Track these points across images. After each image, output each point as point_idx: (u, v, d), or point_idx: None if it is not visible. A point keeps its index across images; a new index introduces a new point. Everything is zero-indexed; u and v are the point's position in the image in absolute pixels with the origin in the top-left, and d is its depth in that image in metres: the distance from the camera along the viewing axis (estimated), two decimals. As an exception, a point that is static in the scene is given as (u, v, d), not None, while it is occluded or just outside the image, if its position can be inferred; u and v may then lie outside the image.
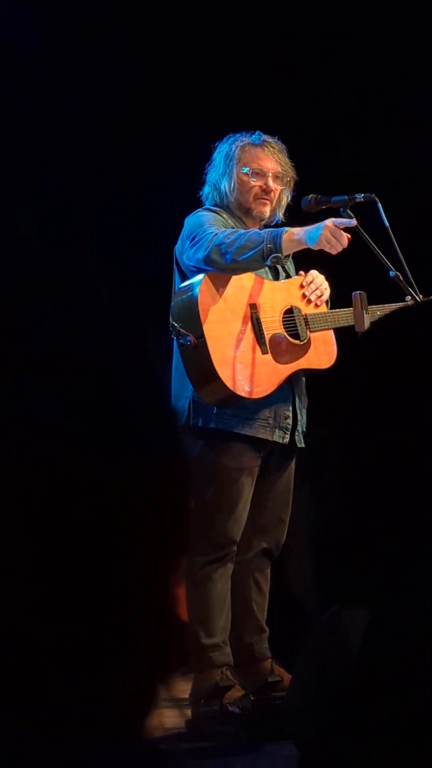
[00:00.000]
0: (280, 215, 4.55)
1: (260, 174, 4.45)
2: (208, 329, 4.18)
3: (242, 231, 4.25)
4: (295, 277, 4.52)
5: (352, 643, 0.87)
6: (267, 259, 4.16)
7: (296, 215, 4.54)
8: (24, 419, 0.68)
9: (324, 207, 4.43)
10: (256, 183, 4.45)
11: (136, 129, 5.79)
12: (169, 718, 4.07)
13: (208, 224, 4.31)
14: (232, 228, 4.36)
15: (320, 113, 6.04)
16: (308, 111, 6.00)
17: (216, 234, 4.21)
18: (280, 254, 4.17)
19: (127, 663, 0.72)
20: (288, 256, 4.40)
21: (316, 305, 4.47)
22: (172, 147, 5.59)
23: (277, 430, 4.33)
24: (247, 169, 4.44)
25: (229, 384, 4.16)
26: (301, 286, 4.47)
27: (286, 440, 4.35)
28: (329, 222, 4.19)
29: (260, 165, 4.46)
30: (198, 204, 4.54)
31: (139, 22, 5.88)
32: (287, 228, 4.25)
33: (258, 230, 4.28)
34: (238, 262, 4.17)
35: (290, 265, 4.59)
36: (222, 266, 4.20)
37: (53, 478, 0.68)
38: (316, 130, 5.95)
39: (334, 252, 4.20)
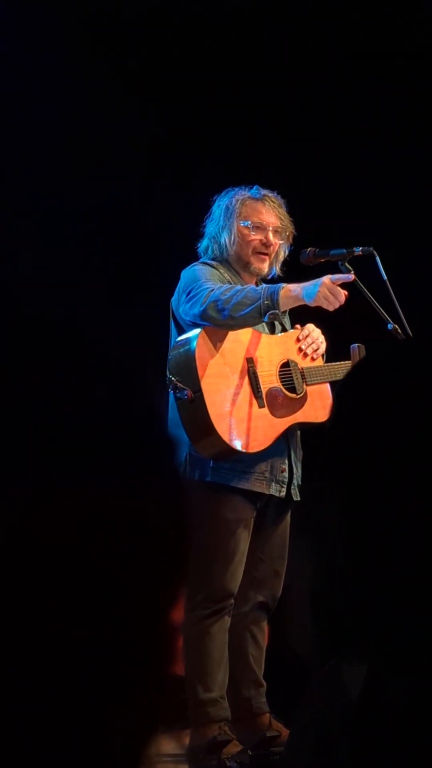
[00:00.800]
0: (277, 269, 4.56)
1: (260, 228, 4.47)
2: (205, 384, 4.19)
3: (239, 287, 4.26)
4: (291, 330, 4.53)
5: (351, 698, 0.87)
6: (264, 316, 4.17)
7: (294, 268, 4.56)
8: (26, 451, 0.69)
9: (322, 260, 4.45)
10: (256, 237, 4.46)
11: (135, 179, 5.82)
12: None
13: (204, 279, 4.31)
14: (228, 283, 4.37)
15: (320, 167, 6.08)
16: (307, 164, 6.04)
17: (212, 290, 4.22)
18: (277, 311, 4.18)
19: (122, 718, 0.72)
20: (284, 311, 4.42)
21: (313, 359, 4.48)
22: (174, 199, 5.63)
23: (273, 484, 4.32)
24: (248, 222, 4.45)
25: (225, 438, 4.16)
26: (298, 340, 4.48)
27: (283, 493, 4.35)
28: (326, 279, 4.21)
29: (261, 219, 4.47)
30: (196, 257, 4.56)
31: (129, 74, 5.93)
32: (284, 284, 4.26)
33: (254, 286, 4.30)
34: (236, 318, 4.18)
35: (286, 319, 4.61)
36: (219, 322, 4.21)
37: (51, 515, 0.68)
38: (314, 182, 5.99)
39: (330, 309, 4.22)
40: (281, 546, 4.41)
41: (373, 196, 6.04)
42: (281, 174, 5.70)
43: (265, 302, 4.16)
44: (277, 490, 4.32)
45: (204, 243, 4.55)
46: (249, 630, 4.39)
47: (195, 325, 4.28)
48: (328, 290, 4.17)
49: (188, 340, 4.27)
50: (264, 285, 4.29)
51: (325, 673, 0.91)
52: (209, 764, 3.75)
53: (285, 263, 4.59)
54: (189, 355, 4.23)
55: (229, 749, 4.05)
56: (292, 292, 4.22)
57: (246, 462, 4.26)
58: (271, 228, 4.47)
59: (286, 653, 4.60)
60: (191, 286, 4.30)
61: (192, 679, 4.24)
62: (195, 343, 4.23)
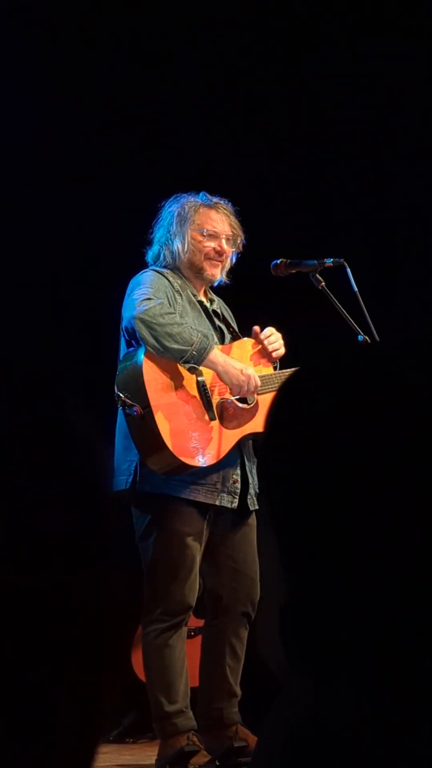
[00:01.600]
0: (223, 277, 4.53)
1: (214, 236, 4.43)
2: (153, 399, 4.14)
3: (177, 319, 4.20)
4: (245, 339, 4.51)
5: (307, 716, 0.87)
6: (184, 361, 4.19)
7: (266, 279, 4.56)
8: None
9: (293, 271, 4.45)
10: (209, 244, 4.43)
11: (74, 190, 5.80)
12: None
13: (150, 285, 4.28)
14: (178, 292, 4.35)
15: (288, 174, 6.09)
16: (275, 170, 6.05)
17: (156, 303, 4.18)
18: (197, 366, 4.21)
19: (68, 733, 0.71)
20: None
21: (265, 365, 4.45)
22: (118, 208, 5.62)
23: (225, 495, 4.28)
24: (202, 230, 4.41)
25: (177, 454, 4.12)
26: (256, 344, 4.47)
27: (235, 504, 4.31)
28: (254, 377, 4.26)
29: (214, 227, 4.43)
30: (144, 265, 4.52)
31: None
32: (216, 347, 4.27)
33: (192, 328, 4.23)
34: (159, 344, 4.14)
35: (230, 318, 4.61)
36: (143, 336, 4.14)
37: None
38: (284, 193, 6.00)
39: (235, 393, 4.27)
40: (251, 552, 4.35)
41: (344, 207, 6.05)
42: (252, 183, 5.72)
43: (193, 352, 4.18)
44: (229, 501, 4.29)
45: (155, 249, 4.49)
46: (228, 641, 4.34)
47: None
48: (246, 382, 4.23)
49: (135, 354, 4.21)
50: (201, 335, 4.23)
51: (288, 688, 0.90)
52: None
53: (259, 272, 4.57)
54: (136, 370, 4.17)
55: (197, 760, 4.04)
56: (219, 365, 4.25)
57: (197, 474, 4.22)
58: (224, 236, 4.45)
59: (259, 662, 4.58)
60: (135, 290, 4.26)
61: (155, 692, 4.23)
62: (142, 357, 4.17)
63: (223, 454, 4.24)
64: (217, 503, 4.26)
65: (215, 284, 4.55)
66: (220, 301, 4.64)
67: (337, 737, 0.83)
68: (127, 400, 4.10)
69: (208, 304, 4.50)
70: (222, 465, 4.26)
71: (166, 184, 4.72)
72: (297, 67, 6.04)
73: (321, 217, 5.96)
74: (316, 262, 4.40)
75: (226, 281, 4.55)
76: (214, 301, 4.57)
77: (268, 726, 0.91)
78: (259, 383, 4.26)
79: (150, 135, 5.90)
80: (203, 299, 4.49)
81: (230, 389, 4.27)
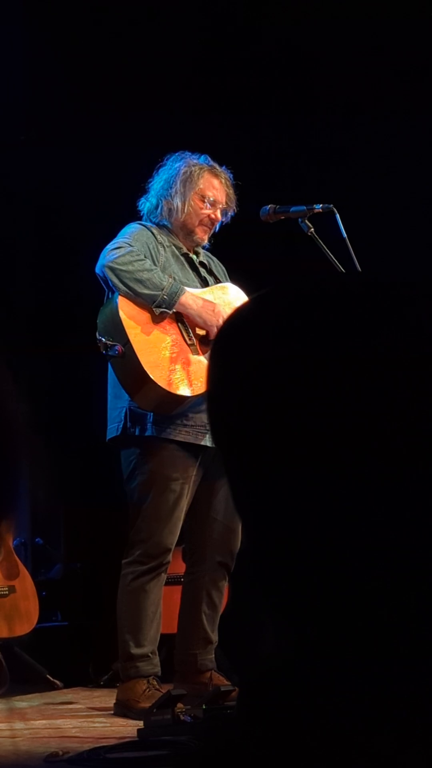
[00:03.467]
0: (206, 241, 4.62)
1: (213, 204, 4.53)
2: (132, 334, 4.19)
3: (147, 266, 4.27)
4: (224, 283, 4.56)
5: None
6: (156, 306, 4.23)
7: (255, 225, 4.55)
8: None
9: (282, 217, 4.45)
10: (207, 211, 4.53)
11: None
12: (121, 727, 4.06)
13: (126, 236, 4.36)
14: (161, 246, 4.42)
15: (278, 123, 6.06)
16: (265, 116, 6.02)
17: (127, 251, 4.25)
18: (169, 311, 4.26)
19: None
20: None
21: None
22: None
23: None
24: (204, 196, 4.51)
25: (162, 384, 4.15)
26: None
27: None
28: (222, 316, 4.26)
29: (215, 196, 4.53)
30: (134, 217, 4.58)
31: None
32: (186, 290, 4.32)
33: (162, 274, 4.30)
34: (131, 290, 4.22)
35: (219, 269, 4.64)
36: (115, 284, 4.23)
37: None
38: (274, 140, 5.97)
39: (211, 333, 4.29)
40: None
41: (332, 152, 6.02)
42: (241, 132, 5.69)
43: (164, 296, 4.24)
44: None
45: (152, 201, 4.57)
46: (206, 589, 4.44)
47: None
48: (218, 320, 4.24)
49: (112, 297, 4.29)
50: (170, 280, 4.30)
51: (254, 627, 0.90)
52: (163, 718, 3.76)
53: (247, 218, 4.60)
54: (113, 310, 4.24)
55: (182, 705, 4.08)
56: (191, 304, 4.29)
57: (186, 415, 4.28)
58: (220, 206, 4.55)
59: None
60: (115, 239, 4.34)
61: (124, 633, 4.32)
62: (118, 297, 4.25)
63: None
64: (203, 443, 4.29)
65: (204, 247, 4.64)
66: (207, 254, 4.70)
67: (291, 665, 0.84)
68: (108, 342, 4.14)
69: (193, 257, 4.59)
70: None
71: (154, 138, 4.71)
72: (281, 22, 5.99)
73: (310, 163, 5.93)
74: (305, 207, 4.39)
75: (209, 241, 4.64)
76: (200, 253, 4.63)
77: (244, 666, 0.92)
78: None
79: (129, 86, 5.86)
80: (188, 252, 4.57)
81: (206, 329, 4.32)
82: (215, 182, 4.54)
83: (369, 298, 0.89)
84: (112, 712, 4.39)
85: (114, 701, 4.42)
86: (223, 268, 4.73)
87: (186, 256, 4.54)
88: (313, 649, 0.83)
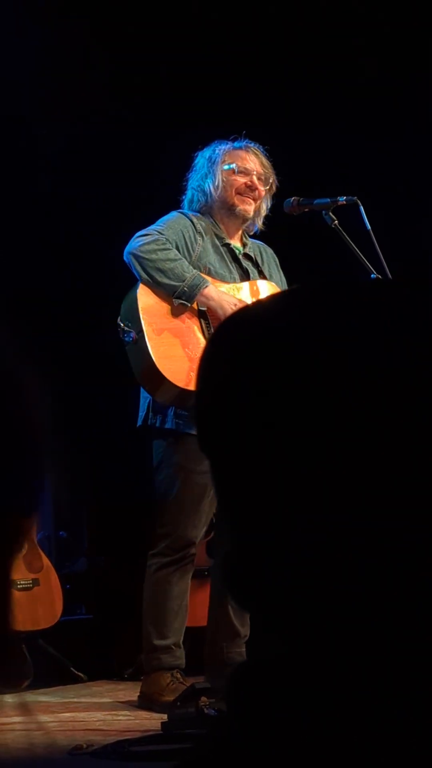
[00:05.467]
0: (259, 224, 4.56)
1: (245, 172, 4.47)
2: (147, 323, 4.19)
3: (171, 255, 4.24)
4: (259, 280, 4.50)
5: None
6: (176, 297, 4.21)
7: (278, 218, 4.54)
8: None
9: (306, 209, 4.43)
10: (240, 179, 4.46)
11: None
12: (145, 720, 4.06)
13: (160, 223, 4.35)
14: (200, 235, 4.37)
15: (305, 116, 6.04)
16: (293, 113, 5.99)
17: (149, 236, 4.24)
18: (188, 304, 4.22)
19: None
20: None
21: None
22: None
23: None
24: (232, 166, 4.45)
25: (169, 376, 4.13)
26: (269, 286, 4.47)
27: None
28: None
29: (245, 164, 4.47)
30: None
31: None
32: (210, 284, 4.27)
33: (188, 265, 4.28)
34: (152, 278, 4.21)
35: (271, 261, 4.60)
36: (138, 271, 4.23)
37: None
38: (299, 132, 5.95)
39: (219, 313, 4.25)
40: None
41: (358, 146, 6.00)
42: (264, 125, 5.67)
43: (185, 288, 4.21)
44: None
45: (188, 195, 4.55)
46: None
47: None
48: (233, 309, 4.14)
49: (135, 285, 4.28)
50: (194, 272, 4.27)
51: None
52: (187, 711, 3.76)
53: (267, 216, 4.57)
54: (133, 298, 4.24)
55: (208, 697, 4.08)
56: (214, 297, 4.25)
57: None
58: (254, 172, 4.47)
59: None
60: (149, 227, 4.33)
61: (147, 625, 4.32)
62: (138, 285, 4.25)
63: None
64: None
65: (253, 231, 4.57)
66: (262, 246, 4.64)
67: (276, 672, 0.84)
68: (126, 328, 4.15)
69: (238, 247, 4.51)
70: None
71: (181, 124, 4.70)
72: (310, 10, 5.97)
73: (335, 155, 5.91)
74: (329, 200, 4.38)
75: (262, 228, 4.58)
76: (247, 245, 4.57)
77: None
78: None
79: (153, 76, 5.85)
80: (232, 242, 4.50)
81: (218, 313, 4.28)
82: (241, 153, 4.50)
83: (381, 302, 0.88)
84: (136, 705, 4.39)
85: (138, 694, 4.42)
86: (276, 260, 4.66)
87: (227, 246, 4.48)
88: (305, 646, 0.83)
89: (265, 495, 0.84)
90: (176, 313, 4.26)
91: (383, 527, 0.81)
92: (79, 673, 5.29)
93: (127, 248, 4.26)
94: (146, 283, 4.23)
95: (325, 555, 0.82)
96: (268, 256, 4.64)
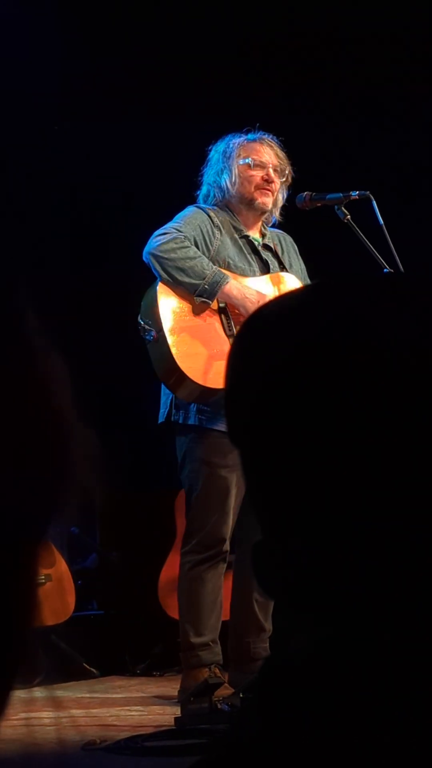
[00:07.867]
0: (276, 215, 4.53)
1: (261, 165, 4.43)
2: (167, 322, 4.17)
3: (191, 253, 4.22)
4: (282, 273, 4.47)
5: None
6: (197, 295, 4.18)
7: (291, 213, 4.52)
8: None
9: (319, 204, 4.42)
10: (257, 174, 4.42)
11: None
12: (158, 716, 4.06)
13: (178, 220, 4.32)
14: (218, 229, 4.35)
15: (319, 111, 6.03)
16: (306, 107, 5.98)
17: (167, 235, 4.21)
18: (209, 301, 4.20)
19: None
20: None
21: None
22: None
23: None
24: (248, 160, 4.42)
25: (191, 374, 4.12)
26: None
27: None
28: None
29: (260, 157, 4.44)
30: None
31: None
32: (230, 280, 4.24)
33: (207, 263, 4.25)
34: (172, 278, 4.18)
35: (290, 249, 4.58)
36: (157, 270, 4.20)
37: None
38: (313, 126, 5.94)
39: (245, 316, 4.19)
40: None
41: (371, 140, 5.98)
42: (276, 119, 5.66)
43: (205, 286, 4.19)
44: None
45: (204, 190, 4.52)
46: (256, 575, 4.37)
47: None
48: (255, 305, 4.13)
49: (154, 283, 4.26)
50: (214, 268, 4.25)
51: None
52: (200, 706, 3.76)
53: (283, 208, 4.55)
54: (153, 297, 4.22)
55: (221, 692, 4.07)
56: (235, 293, 4.22)
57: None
58: (270, 165, 4.44)
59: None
60: (168, 224, 4.30)
61: (184, 623, 4.27)
62: (158, 284, 4.23)
63: None
64: None
65: (271, 223, 4.54)
66: (281, 235, 4.61)
67: (308, 672, 0.83)
68: (146, 327, 4.13)
69: (257, 239, 4.48)
70: None
71: (193, 121, 4.69)
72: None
73: (346, 147, 5.90)
74: (341, 194, 4.37)
75: (280, 219, 4.55)
76: (266, 235, 4.54)
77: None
78: None
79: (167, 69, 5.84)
80: (251, 233, 4.47)
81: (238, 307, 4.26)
82: (255, 146, 4.46)
83: (401, 295, 0.87)
84: (148, 700, 4.39)
85: (154, 689, 4.42)
86: (295, 248, 4.61)
87: (246, 238, 4.45)
88: (335, 645, 0.82)
89: (295, 487, 0.83)
90: (197, 311, 4.24)
91: (418, 522, 0.81)
92: (92, 669, 5.30)
93: (146, 248, 4.24)
94: (166, 283, 4.21)
95: (356, 547, 0.82)
96: (287, 245, 4.60)
